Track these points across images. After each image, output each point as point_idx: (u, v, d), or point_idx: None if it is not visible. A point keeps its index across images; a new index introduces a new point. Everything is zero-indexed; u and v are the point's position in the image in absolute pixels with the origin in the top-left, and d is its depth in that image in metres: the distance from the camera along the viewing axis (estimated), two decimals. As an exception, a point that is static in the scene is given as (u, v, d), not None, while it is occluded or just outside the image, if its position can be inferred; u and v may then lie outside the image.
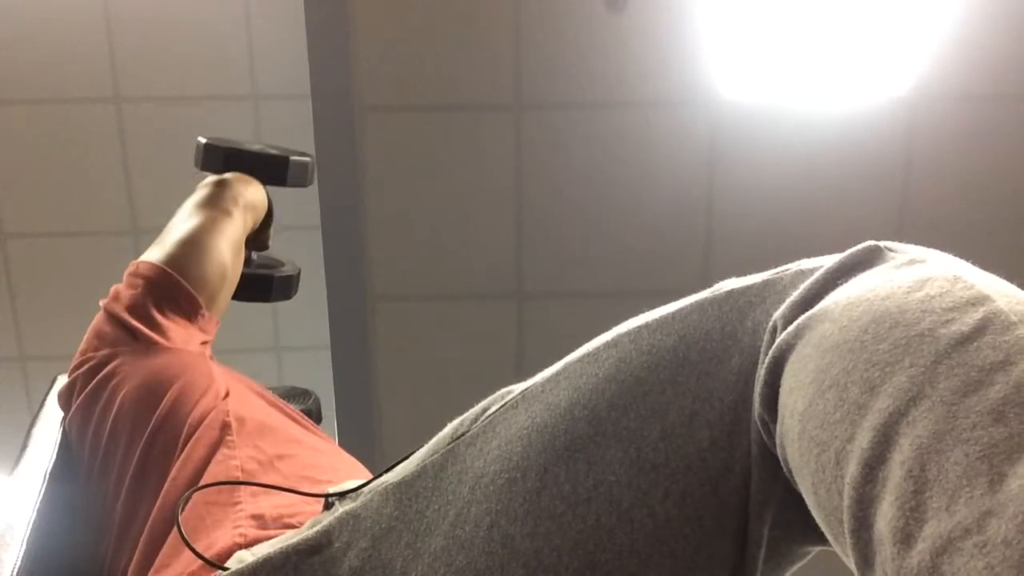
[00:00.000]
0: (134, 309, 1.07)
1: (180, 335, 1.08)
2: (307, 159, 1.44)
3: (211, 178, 1.31)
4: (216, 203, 1.25)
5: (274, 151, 1.44)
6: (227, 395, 0.98)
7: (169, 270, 1.11)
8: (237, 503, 0.83)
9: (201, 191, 1.28)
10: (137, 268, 1.12)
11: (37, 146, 2.24)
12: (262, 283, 1.41)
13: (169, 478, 0.89)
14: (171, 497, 0.87)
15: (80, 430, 1.01)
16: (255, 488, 0.84)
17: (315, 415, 1.43)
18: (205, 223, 1.20)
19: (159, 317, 1.07)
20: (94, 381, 1.01)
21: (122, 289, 1.11)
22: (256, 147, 1.44)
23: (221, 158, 1.37)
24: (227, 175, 1.32)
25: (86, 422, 1.00)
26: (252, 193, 1.32)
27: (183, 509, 0.82)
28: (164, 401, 0.96)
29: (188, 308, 1.11)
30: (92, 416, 1.00)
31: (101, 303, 1.10)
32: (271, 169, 1.39)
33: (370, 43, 2.01)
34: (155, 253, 1.14)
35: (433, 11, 2.00)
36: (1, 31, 2.15)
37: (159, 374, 1.00)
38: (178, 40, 2.17)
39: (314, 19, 1.99)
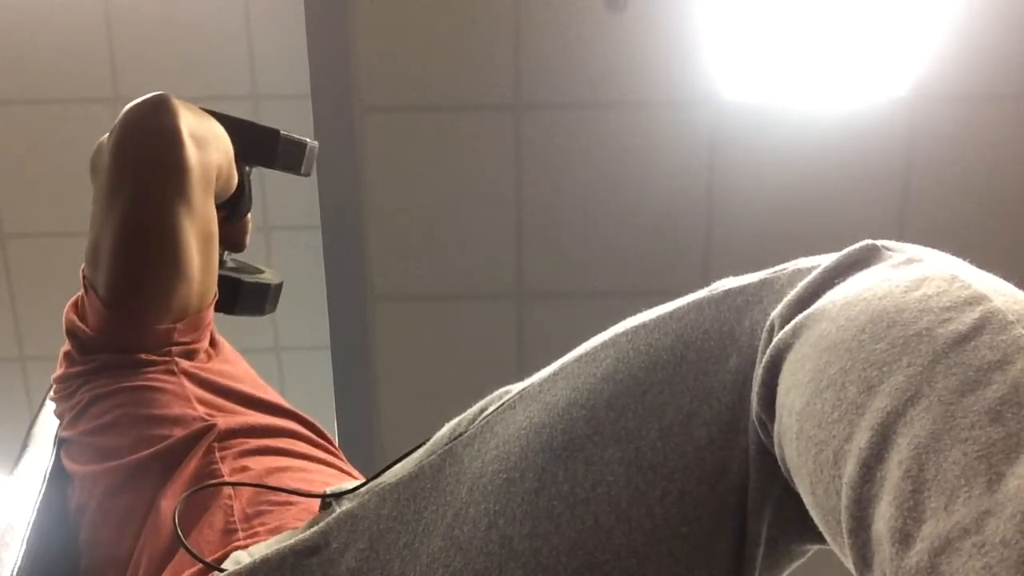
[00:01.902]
0: (92, 354, 0.93)
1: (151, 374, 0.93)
2: (305, 140, 1.15)
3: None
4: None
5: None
6: (213, 426, 0.89)
7: (118, 318, 0.91)
8: (231, 508, 0.82)
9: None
10: (85, 305, 0.94)
11: (37, 146, 2.25)
12: (228, 288, 1.08)
13: (154, 507, 0.86)
14: (165, 512, 0.85)
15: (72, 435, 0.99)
16: (250, 517, 0.82)
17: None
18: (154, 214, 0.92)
19: (127, 356, 0.92)
20: (73, 412, 0.94)
21: (76, 324, 0.94)
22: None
23: None
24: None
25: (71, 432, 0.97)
26: (213, 151, 0.97)
27: (178, 508, 0.81)
28: (137, 443, 0.88)
29: (153, 344, 0.93)
30: (76, 431, 0.96)
31: (64, 319, 0.96)
32: (258, 141, 1.10)
33: (370, 43, 2.01)
34: (99, 280, 0.92)
35: (433, 11, 2.00)
36: (1, 31, 2.16)
37: (139, 410, 0.90)
38: (178, 40, 2.18)
39: (314, 19, 1.99)
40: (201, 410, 0.90)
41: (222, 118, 1.05)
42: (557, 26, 2.00)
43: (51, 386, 1.00)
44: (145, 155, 0.91)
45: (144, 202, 0.90)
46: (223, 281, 1.07)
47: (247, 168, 1.10)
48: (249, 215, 1.13)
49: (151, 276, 0.91)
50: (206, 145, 0.94)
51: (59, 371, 0.96)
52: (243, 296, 1.11)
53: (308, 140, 1.16)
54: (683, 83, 2.03)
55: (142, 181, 0.90)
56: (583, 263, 2.16)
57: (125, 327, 0.91)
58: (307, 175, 1.17)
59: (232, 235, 1.10)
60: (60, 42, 2.17)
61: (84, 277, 0.94)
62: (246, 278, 1.11)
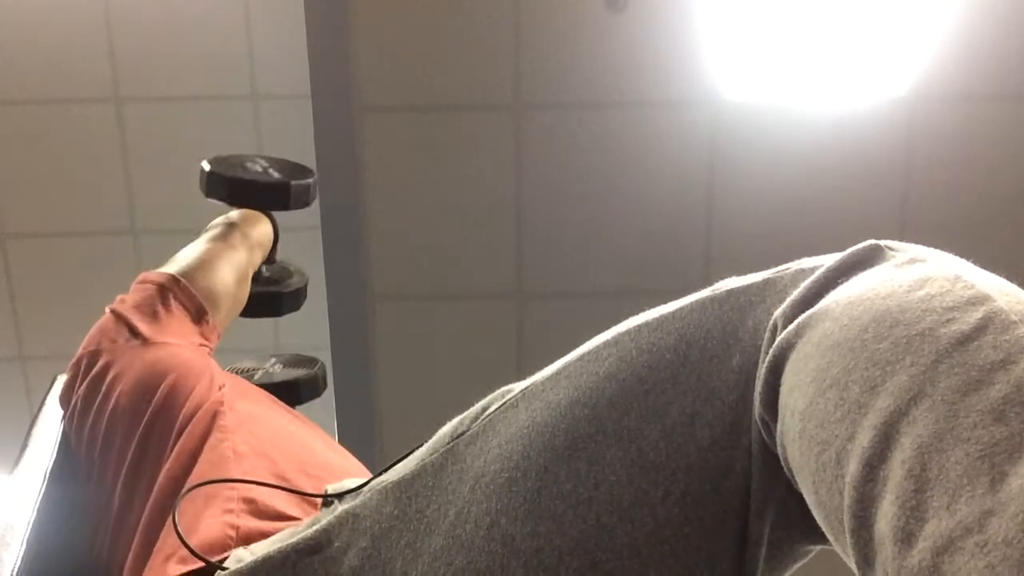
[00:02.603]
0: (139, 307, 1.11)
1: (179, 331, 1.11)
2: (308, 181, 1.49)
3: (220, 219, 1.38)
4: (225, 238, 1.33)
5: (276, 175, 1.48)
6: (223, 386, 0.98)
7: (179, 276, 1.17)
8: (231, 485, 0.83)
9: (210, 230, 1.36)
10: (146, 276, 1.17)
11: (37, 146, 2.25)
12: (272, 300, 1.47)
13: (163, 470, 0.89)
14: (166, 489, 0.88)
15: (79, 425, 1.02)
16: (248, 471, 0.84)
17: (321, 381, 1.50)
18: (214, 250, 1.29)
19: (163, 314, 1.11)
20: (91, 375, 1.03)
21: (129, 295, 1.15)
22: (258, 168, 1.48)
23: (226, 187, 1.42)
24: (234, 214, 1.40)
25: (84, 416, 1.01)
26: (259, 232, 1.40)
27: (178, 505, 0.81)
28: (158, 394, 0.97)
29: (194, 310, 1.16)
30: (90, 410, 1.01)
31: (107, 308, 1.13)
32: (274, 196, 1.44)
33: (370, 43, 2.01)
34: (164, 267, 1.21)
35: (433, 11, 2.00)
36: (1, 31, 2.15)
37: (154, 368, 1.01)
38: (178, 40, 2.18)
39: (314, 19, 1.99)
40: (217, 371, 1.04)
41: (248, 184, 1.41)
42: (557, 26, 2.00)
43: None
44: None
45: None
46: (267, 296, 1.44)
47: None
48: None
49: (211, 279, 1.23)
50: (261, 246, 1.41)
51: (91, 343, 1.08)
52: (286, 302, 1.48)
53: (311, 179, 1.49)
54: (683, 83, 2.03)
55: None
56: (583, 263, 2.16)
57: (181, 283, 1.17)
58: (312, 203, 1.52)
59: (269, 255, 1.45)
60: (60, 42, 2.17)
61: (142, 279, 1.17)
62: (284, 289, 1.48)
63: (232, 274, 1.27)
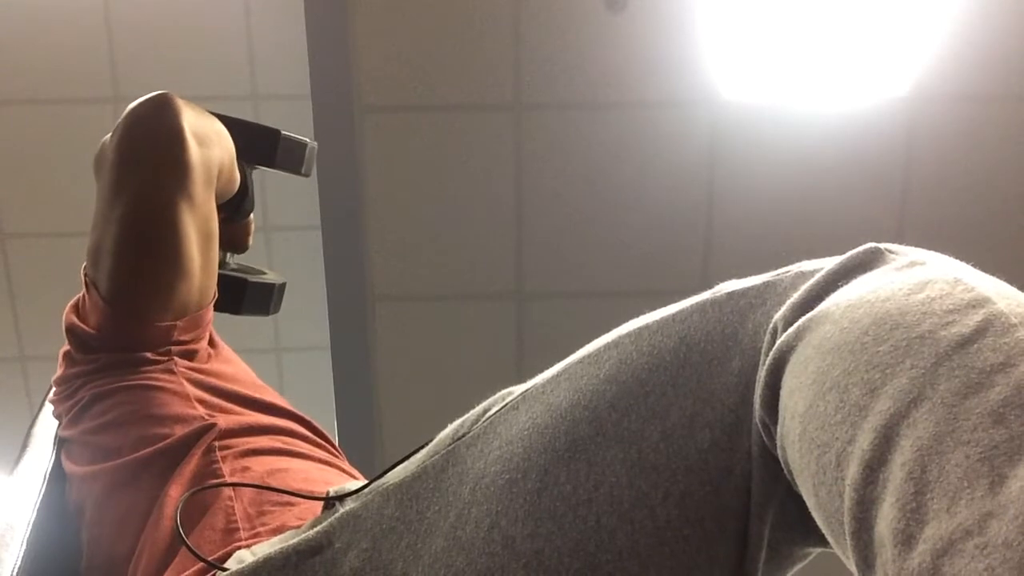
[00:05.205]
0: (92, 353, 0.93)
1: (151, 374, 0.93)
2: (305, 140, 1.16)
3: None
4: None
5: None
6: (213, 425, 0.89)
7: (119, 315, 0.91)
8: (231, 507, 0.82)
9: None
10: (86, 304, 0.95)
11: (37, 146, 2.24)
12: (234, 288, 1.10)
13: (155, 506, 0.86)
14: (166, 512, 0.85)
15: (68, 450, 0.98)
16: (251, 517, 0.82)
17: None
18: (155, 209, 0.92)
19: (127, 355, 0.93)
20: (73, 412, 0.94)
21: (77, 323, 0.94)
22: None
23: None
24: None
25: (71, 429, 0.97)
26: (216, 151, 0.98)
27: (180, 506, 0.81)
28: (137, 442, 0.88)
29: (154, 342, 0.93)
30: (77, 434, 0.96)
31: (64, 319, 0.96)
32: (258, 141, 1.11)
33: (370, 43, 2.01)
34: (100, 278, 0.92)
35: (433, 11, 2.00)
36: (1, 31, 2.15)
37: (138, 409, 0.90)
38: (178, 40, 2.17)
39: (314, 19, 1.99)
40: (201, 410, 0.90)
41: (224, 119, 1.05)
42: (557, 26, 2.00)
43: (51, 387, 1.00)
44: (147, 152, 0.91)
45: (146, 199, 0.91)
46: (228, 281, 1.09)
47: (249, 168, 1.11)
48: (252, 216, 1.14)
49: (152, 272, 0.91)
50: (208, 143, 0.95)
51: (59, 372, 0.96)
52: (249, 295, 1.12)
53: (308, 140, 1.17)
54: (683, 83, 2.03)
55: (144, 178, 0.91)
56: (583, 263, 2.16)
57: (126, 324, 0.91)
58: (307, 175, 1.18)
59: (235, 236, 1.11)
60: (60, 42, 2.17)
61: (85, 275, 0.95)
62: (251, 278, 1.13)
63: (192, 229, 0.93)
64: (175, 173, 0.90)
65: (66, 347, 0.96)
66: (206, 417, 0.89)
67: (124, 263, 0.90)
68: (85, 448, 0.92)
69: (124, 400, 0.90)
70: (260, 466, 0.87)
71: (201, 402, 0.92)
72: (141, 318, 0.91)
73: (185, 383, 0.93)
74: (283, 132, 1.13)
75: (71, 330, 0.95)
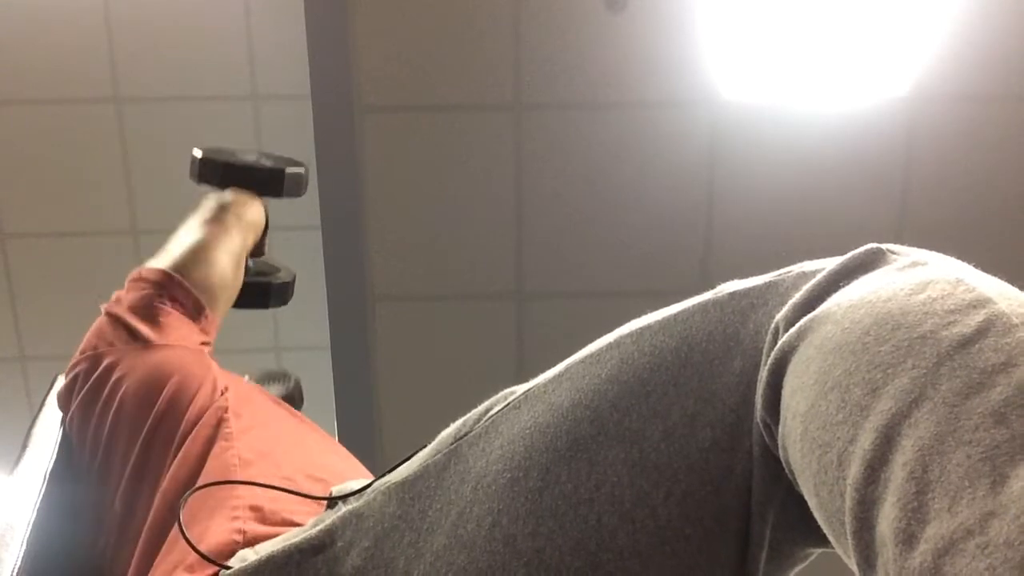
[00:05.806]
0: (136, 309, 1.08)
1: (179, 333, 1.08)
2: (301, 170, 1.45)
3: (212, 198, 1.32)
4: (218, 220, 1.27)
5: (269, 163, 1.44)
6: (225, 390, 0.98)
7: (174, 273, 1.14)
8: (236, 493, 0.83)
9: (203, 210, 1.30)
10: (140, 273, 1.14)
11: (37, 146, 2.24)
12: (260, 291, 1.41)
13: (167, 475, 0.89)
14: (170, 495, 0.87)
15: (80, 429, 1.02)
16: (253, 478, 0.84)
17: (297, 400, 1.43)
18: (207, 237, 1.23)
19: (161, 316, 1.08)
20: (92, 379, 1.01)
21: (124, 293, 1.12)
22: (251, 158, 1.45)
23: (218, 172, 1.37)
24: (227, 195, 1.33)
25: (86, 420, 1.01)
26: (252, 213, 1.35)
27: (183, 507, 0.82)
28: (161, 399, 0.96)
29: (191, 307, 1.13)
30: (92, 414, 1.00)
31: (102, 307, 1.11)
32: (268, 182, 1.41)
33: (370, 43, 2.01)
34: (159, 261, 1.17)
35: (433, 11, 2.00)
36: (1, 31, 2.15)
37: (157, 371, 1.00)
38: (178, 40, 2.17)
39: (314, 19, 1.99)
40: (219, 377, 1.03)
41: (241, 168, 1.39)
42: (557, 26, 2.00)
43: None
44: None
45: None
46: (254, 286, 1.39)
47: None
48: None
49: (206, 269, 1.20)
50: (254, 228, 1.35)
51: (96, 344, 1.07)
52: (274, 294, 1.44)
53: (302, 167, 1.46)
54: (683, 83, 2.03)
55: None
56: (583, 263, 2.16)
57: (175, 279, 1.14)
58: (304, 194, 1.50)
59: (257, 246, 1.39)
60: (60, 42, 2.17)
61: (136, 276, 1.14)
62: (273, 280, 1.44)
63: (229, 262, 1.23)
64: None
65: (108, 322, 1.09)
66: (220, 383, 1.00)
67: (188, 256, 1.19)
68: (107, 415, 1.00)
69: (158, 361, 1.04)
70: (269, 440, 0.93)
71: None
72: (186, 282, 1.15)
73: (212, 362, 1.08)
74: (287, 169, 1.43)
75: (114, 314, 1.09)
